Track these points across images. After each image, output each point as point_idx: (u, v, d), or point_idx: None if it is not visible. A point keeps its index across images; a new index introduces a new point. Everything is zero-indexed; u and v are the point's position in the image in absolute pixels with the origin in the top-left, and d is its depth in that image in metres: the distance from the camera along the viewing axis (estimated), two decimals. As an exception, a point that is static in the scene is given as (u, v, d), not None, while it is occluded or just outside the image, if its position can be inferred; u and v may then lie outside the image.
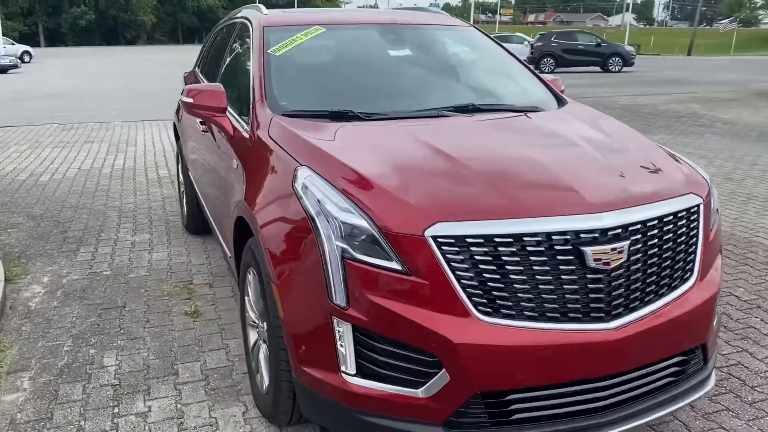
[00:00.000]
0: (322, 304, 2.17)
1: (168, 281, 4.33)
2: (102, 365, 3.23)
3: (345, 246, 2.12)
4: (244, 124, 3.11)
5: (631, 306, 2.16)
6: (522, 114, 3.10)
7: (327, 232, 2.15)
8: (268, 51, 3.32)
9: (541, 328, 2.06)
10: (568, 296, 2.08)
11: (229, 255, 3.30)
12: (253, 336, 2.87)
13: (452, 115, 3.00)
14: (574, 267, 2.08)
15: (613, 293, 2.12)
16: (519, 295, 2.05)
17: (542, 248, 2.07)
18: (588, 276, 2.09)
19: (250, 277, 2.80)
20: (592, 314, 2.10)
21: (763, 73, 26.29)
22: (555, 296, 2.07)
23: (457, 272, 2.04)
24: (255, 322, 2.81)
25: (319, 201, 2.23)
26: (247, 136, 2.99)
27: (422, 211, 2.12)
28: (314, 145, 2.56)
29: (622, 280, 2.14)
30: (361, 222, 2.13)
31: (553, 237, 2.07)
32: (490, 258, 2.04)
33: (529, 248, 2.06)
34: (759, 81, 22.21)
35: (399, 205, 2.16)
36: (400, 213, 2.13)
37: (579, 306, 2.09)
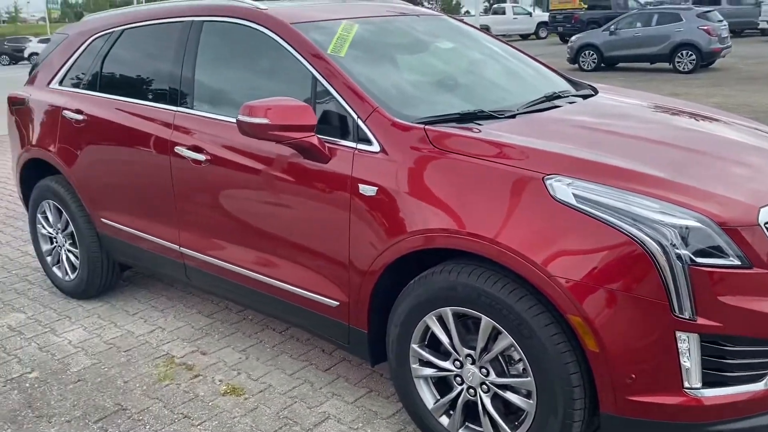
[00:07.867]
0: (661, 322, 1.99)
1: (136, 363, 3.31)
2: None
3: (685, 252, 1.96)
4: (346, 143, 2.56)
5: None
6: (592, 97, 3.14)
7: (661, 243, 1.95)
8: (329, 53, 2.75)
9: None
10: None
11: (364, 331, 2.64)
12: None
13: (561, 105, 2.90)
14: None
15: None
16: None
17: None
18: None
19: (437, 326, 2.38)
20: None
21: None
22: None
23: None
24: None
25: (621, 210, 2.01)
26: (376, 155, 2.47)
27: (742, 200, 2.12)
28: (532, 147, 2.28)
29: None
30: (693, 222, 1.99)
31: None
32: None
33: None
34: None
35: (715, 198, 2.09)
36: (725, 206, 2.07)
37: None
